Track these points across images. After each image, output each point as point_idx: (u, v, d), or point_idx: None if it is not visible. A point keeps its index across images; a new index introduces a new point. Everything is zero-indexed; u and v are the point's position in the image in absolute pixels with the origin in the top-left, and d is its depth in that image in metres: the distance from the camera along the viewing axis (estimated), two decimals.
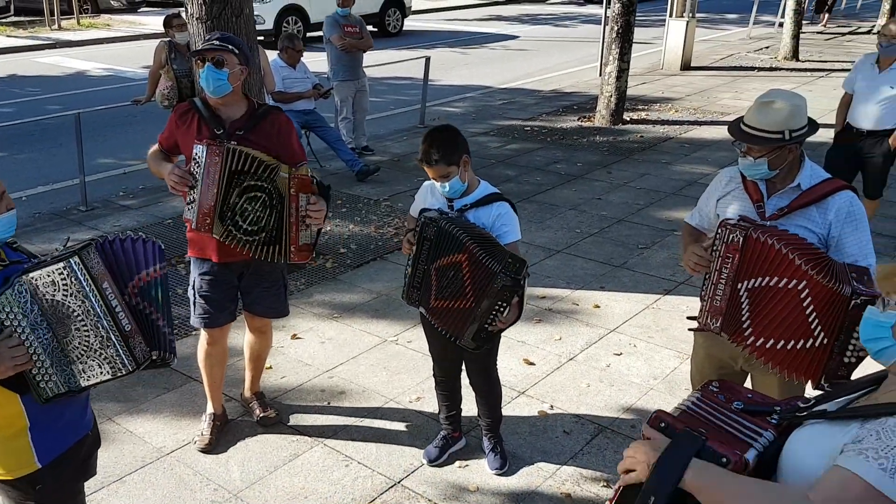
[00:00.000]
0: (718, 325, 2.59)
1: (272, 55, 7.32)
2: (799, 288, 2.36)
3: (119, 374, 2.13)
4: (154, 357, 2.20)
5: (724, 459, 1.54)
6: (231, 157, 3.03)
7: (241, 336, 4.46)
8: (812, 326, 2.38)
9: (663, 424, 1.65)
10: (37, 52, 15.43)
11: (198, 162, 3.06)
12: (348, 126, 8.28)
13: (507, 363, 4.21)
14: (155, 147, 3.37)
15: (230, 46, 3.11)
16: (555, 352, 4.39)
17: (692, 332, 2.92)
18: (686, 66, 13.66)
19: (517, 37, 18.09)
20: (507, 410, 3.69)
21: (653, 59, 14.42)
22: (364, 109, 8.44)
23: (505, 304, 2.86)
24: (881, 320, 1.61)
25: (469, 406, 3.62)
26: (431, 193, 3.18)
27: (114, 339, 2.08)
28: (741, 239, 2.47)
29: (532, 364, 4.26)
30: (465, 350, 3.29)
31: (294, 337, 4.56)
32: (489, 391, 3.43)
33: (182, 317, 4.70)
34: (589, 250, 5.86)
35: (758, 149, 2.57)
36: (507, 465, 3.42)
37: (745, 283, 2.49)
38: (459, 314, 2.97)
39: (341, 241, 6.01)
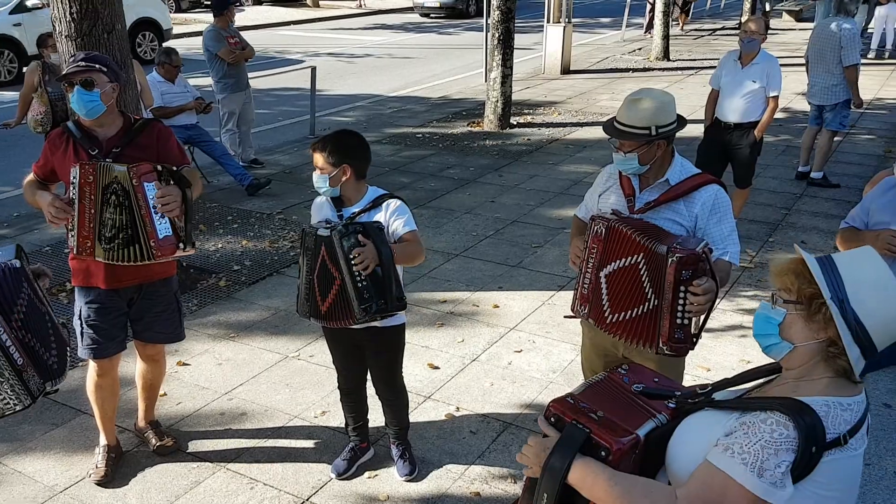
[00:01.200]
0: (586, 311, 2.75)
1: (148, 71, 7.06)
2: (637, 260, 2.52)
3: (15, 411, 2.01)
4: (48, 388, 2.09)
5: (603, 452, 1.60)
6: (102, 172, 2.91)
7: (131, 364, 4.27)
8: (646, 292, 2.53)
9: (553, 419, 1.71)
10: None
11: (74, 185, 2.92)
12: (233, 139, 8.08)
13: (412, 369, 4.23)
14: (30, 177, 3.18)
15: (97, 66, 2.99)
16: (458, 354, 4.45)
17: (580, 323, 3.05)
18: (566, 70, 14.15)
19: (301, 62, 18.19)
20: (414, 416, 3.69)
21: (535, 65, 14.86)
22: (250, 121, 8.27)
23: (352, 255, 2.84)
24: (771, 316, 1.64)
25: (376, 416, 3.60)
26: (321, 207, 3.17)
27: (7, 376, 1.97)
28: (604, 230, 2.63)
29: (437, 368, 4.29)
30: (369, 360, 3.29)
31: (180, 363, 4.39)
32: (395, 399, 3.43)
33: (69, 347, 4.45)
34: (486, 252, 5.97)
35: (628, 144, 2.71)
36: (416, 471, 3.43)
37: (605, 269, 2.65)
38: (331, 297, 2.98)
39: (234, 258, 5.86)
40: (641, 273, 2.52)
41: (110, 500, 3.26)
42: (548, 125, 10.32)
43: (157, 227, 2.95)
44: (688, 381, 3.83)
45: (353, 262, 2.83)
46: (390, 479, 3.41)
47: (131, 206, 2.93)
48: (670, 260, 2.44)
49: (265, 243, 6.15)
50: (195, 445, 3.64)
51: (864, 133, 9.63)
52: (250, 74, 8.28)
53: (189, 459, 3.54)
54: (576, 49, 15.79)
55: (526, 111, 11.12)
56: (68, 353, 2.43)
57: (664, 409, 1.76)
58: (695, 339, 2.60)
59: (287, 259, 5.83)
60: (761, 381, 1.77)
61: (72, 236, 2.97)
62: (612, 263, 2.60)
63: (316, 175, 3.02)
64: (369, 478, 3.43)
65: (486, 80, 10.17)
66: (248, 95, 8.10)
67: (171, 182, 2.97)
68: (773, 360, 1.72)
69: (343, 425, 3.62)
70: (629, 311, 2.60)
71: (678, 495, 1.55)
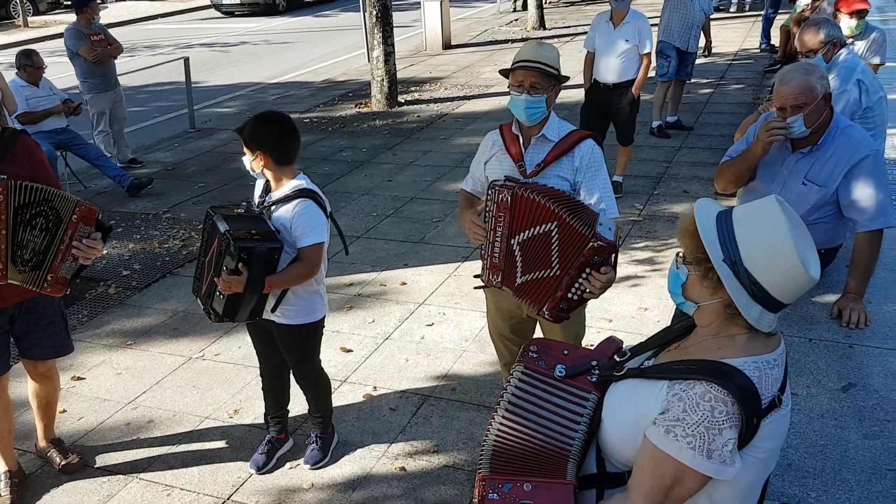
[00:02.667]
0: (499, 279, 2.70)
1: (9, 75, 6.55)
2: (551, 228, 2.51)
3: None
4: None
5: None
6: (16, 192, 2.70)
7: (23, 384, 4.00)
8: (552, 258, 2.54)
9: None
10: None
11: None
12: (107, 140, 7.65)
13: (325, 354, 4.07)
14: None
15: None
16: (370, 334, 4.40)
17: (475, 288, 3.05)
18: (447, 45, 14.19)
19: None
20: (332, 400, 3.63)
21: (416, 42, 14.81)
22: (123, 119, 7.84)
23: (225, 268, 2.80)
24: (678, 274, 1.66)
25: (295, 406, 3.52)
26: (258, 185, 3.13)
27: None
28: (509, 198, 2.58)
29: (350, 351, 4.23)
30: (282, 352, 3.20)
31: (75, 378, 4.14)
32: (315, 386, 3.36)
33: None
34: (388, 231, 5.92)
35: (539, 83, 2.71)
36: (325, 459, 3.36)
37: (517, 237, 2.60)
38: (205, 287, 2.96)
39: (122, 263, 5.56)
40: (552, 240, 2.51)
41: None
42: (435, 101, 10.32)
43: (63, 265, 2.83)
44: (591, 332, 3.95)
45: (217, 278, 2.79)
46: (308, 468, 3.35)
47: (55, 235, 2.78)
48: (591, 244, 2.44)
49: (154, 244, 5.87)
50: (103, 459, 3.45)
51: (733, 83, 10.15)
52: (120, 71, 7.84)
53: (98, 474, 3.36)
54: (455, 23, 15.85)
55: (413, 88, 11.08)
56: None
57: (592, 387, 1.74)
58: (571, 312, 2.65)
59: (179, 258, 5.59)
60: (675, 338, 1.75)
61: None
62: (526, 231, 2.57)
63: (244, 158, 2.99)
64: (290, 468, 3.35)
65: (368, 60, 10.05)
66: (118, 94, 7.68)
67: (100, 235, 2.87)
68: (677, 314, 1.73)
69: (258, 421, 3.52)
70: (533, 274, 2.61)
71: (630, 487, 1.52)
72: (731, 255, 1.52)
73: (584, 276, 2.50)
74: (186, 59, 9.23)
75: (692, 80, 8.71)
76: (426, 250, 5.55)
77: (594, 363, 1.81)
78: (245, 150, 2.95)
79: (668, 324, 1.98)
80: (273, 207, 2.94)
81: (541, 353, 1.88)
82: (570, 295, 2.56)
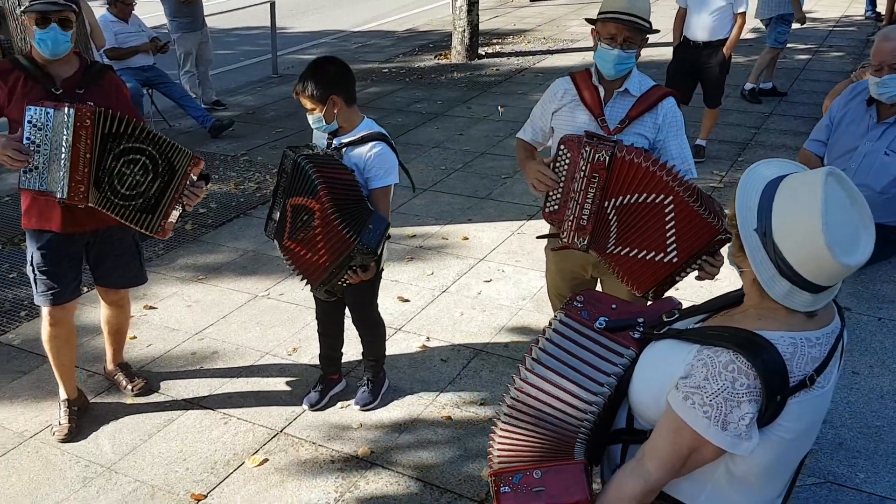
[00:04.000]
0: (585, 243, 2.59)
1: (100, 10, 6.79)
2: (665, 203, 2.38)
3: None
4: None
5: None
6: (106, 120, 2.83)
7: (95, 310, 4.24)
8: (668, 241, 2.42)
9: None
10: None
11: (37, 126, 2.79)
12: (192, 80, 7.87)
13: (383, 302, 4.16)
14: None
15: (72, 5, 2.88)
16: (428, 286, 4.45)
17: (552, 250, 2.99)
18: None
19: None
20: (386, 346, 3.71)
21: None
22: (208, 61, 8.04)
23: (360, 268, 2.86)
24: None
25: (349, 349, 3.62)
26: (317, 137, 3.15)
27: None
28: (607, 158, 2.44)
29: (407, 301, 4.30)
30: (345, 291, 3.27)
31: (148, 307, 4.36)
32: (371, 330, 3.43)
33: (29, 298, 4.40)
34: (454, 185, 5.92)
35: (632, 38, 2.60)
36: (374, 402, 3.45)
37: (613, 200, 2.48)
38: (311, 265, 2.93)
39: (200, 202, 5.75)
40: (667, 220, 2.38)
41: (81, 443, 3.27)
42: (517, 54, 10.15)
43: (173, 212, 3.01)
44: None
45: (352, 271, 2.87)
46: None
47: (168, 184, 2.94)
48: (718, 238, 2.35)
49: (230, 185, 6.06)
50: (167, 386, 3.65)
51: (832, 51, 9.58)
52: (207, 13, 8.01)
53: (161, 399, 3.55)
54: None
55: (495, 41, 10.92)
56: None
57: (632, 342, 1.71)
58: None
59: (253, 200, 5.76)
60: (726, 306, 1.68)
61: (34, 178, 2.86)
62: (625, 196, 2.44)
63: (310, 117, 2.97)
64: (341, 408, 3.46)
65: (452, 10, 9.93)
66: (204, 35, 7.85)
67: (203, 183, 3.06)
68: None
69: (314, 361, 3.64)
70: (641, 252, 2.48)
71: (644, 455, 1.51)
72: (763, 224, 1.43)
73: (697, 262, 2.43)
74: (272, 4, 9.34)
75: (789, 46, 8.26)
76: (491, 206, 5.53)
77: (641, 320, 1.76)
78: (313, 105, 2.91)
79: None
80: (345, 149, 2.97)
81: (586, 303, 1.84)
82: (677, 278, 2.49)
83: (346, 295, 3.28)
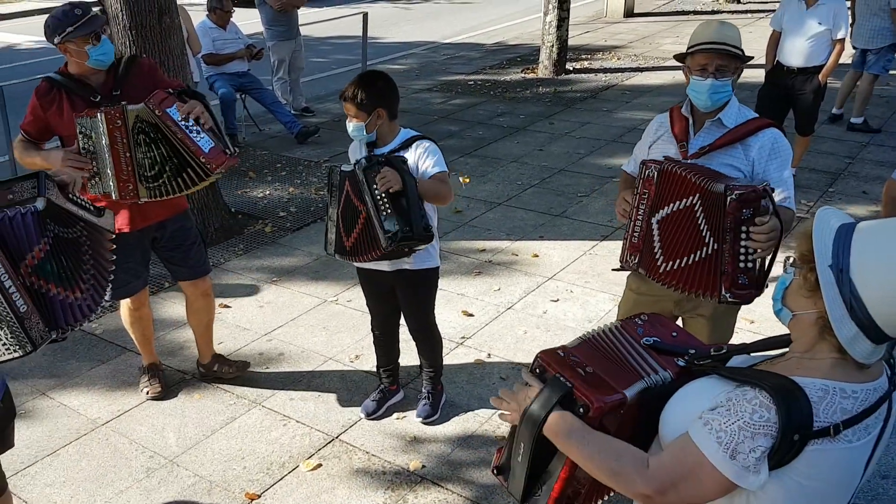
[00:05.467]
0: (636, 261, 2.61)
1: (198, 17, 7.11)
2: (693, 202, 2.37)
3: (15, 356, 2.07)
4: (54, 336, 2.16)
5: (581, 409, 1.55)
6: (129, 116, 2.96)
7: (167, 307, 4.43)
8: (703, 235, 2.38)
9: (538, 370, 1.67)
10: None
11: (87, 134, 2.95)
12: (284, 87, 8.13)
13: (447, 315, 4.25)
14: (20, 138, 3.18)
15: (103, 15, 3.04)
16: (493, 302, 4.44)
17: (626, 276, 2.93)
18: (629, 13, 13.67)
19: None
20: (445, 360, 3.70)
21: (597, 8, 14.39)
22: (300, 69, 8.29)
23: (377, 185, 2.83)
24: (784, 279, 1.55)
25: (405, 359, 3.65)
26: (353, 150, 3.17)
27: (7, 322, 2.03)
28: (655, 174, 2.48)
29: (471, 315, 4.29)
30: (400, 302, 3.30)
31: (223, 305, 4.51)
32: (428, 340, 3.44)
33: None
34: (529, 201, 5.89)
35: (725, 66, 2.54)
36: (435, 415, 3.45)
37: (657, 214, 2.51)
38: (358, 230, 2.96)
39: (281, 205, 5.95)
40: (698, 216, 2.38)
41: (149, 434, 3.42)
42: (605, 71, 10.02)
43: (200, 144, 2.96)
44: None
45: (375, 187, 2.81)
46: (418, 421, 3.46)
47: (166, 137, 2.96)
48: (729, 198, 2.29)
49: (311, 191, 6.22)
50: (233, 383, 3.76)
51: None
52: (302, 21, 8.27)
53: (227, 396, 3.67)
54: None
55: (583, 56, 10.82)
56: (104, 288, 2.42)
57: (671, 366, 1.67)
58: (761, 285, 2.45)
59: None
60: (780, 351, 1.64)
61: (98, 184, 3.01)
62: (665, 208, 2.46)
63: (351, 125, 2.99)
64: (397, 419, 3.48)
65: (542, 25, 9.90)
66: (298, 43, 8.10)
67: (186, 100, 3.01)
68: None
69: (374, 369, 3.68)
70: (685, 258, 2.46)
71: (650, 463, 1.48)
72: (839, 262, 1.40)
73: (742, 237, 2.33)
74: (365, 15, 9.54)
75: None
76: (565, 224, 5.46)
77: (692, 351, 1.72)
78: (357, 113, 2.95)
79: None
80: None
81: (646, 324, 1.81)
82: (742, 265, 2.38)
83: (403, 304, 3.31)
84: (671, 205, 2.45)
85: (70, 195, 2.31)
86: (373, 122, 2.97)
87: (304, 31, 8.35)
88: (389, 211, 2.82)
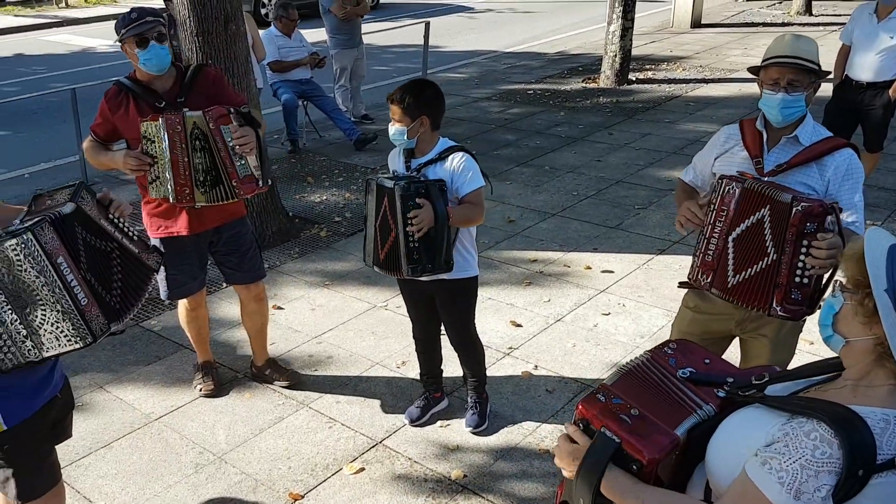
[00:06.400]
0: (709, 280, 2.51)
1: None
2: (762, 215, 2.31)
3: (76, 347, 2.15)
4: (113, 329, 2.23)
5: (635, 466, 1.51)
6: (187, 122, 3.04)
7: (222, 307, 4.53)
8: (766, 246, 2.31)
9: (581, 424, 1.63)
10: (44, 30, 15.54)
11: (150, 138, 3.05)
12: (345, 94, 8.26)
13: (494, 325, 4.23)
14: (89, 139, 3.32)
15: (161, 19, 3.12)
16: (542, 313, 4.40)
17: (682, 291, 2.85)
18: (696, 24, 13.41)
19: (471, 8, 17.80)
20: (491, 371, 3.71)
21: (663, 18, 14.18)
22: (361, 77, 8.41)
23: (408, 211, 2.84)
24: (833, 304, 1.51)
25: (451, 367, 3.65)
26: (393, 157, 3.20)
27: (70, 314, 2.11)
28: (737, 191, 2.40)
29: (519, 326, 4.27)
30: (440, 310, 3.32)
31: (276, 307, 4.59)
32: (469, 350, 3.43)
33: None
34: (584, 212, 5.83)
35: (799, 81, 2.47)
36: (484, 425, 3.44)
37: (734, 232, 2.43)
38: (386, 248, 3.00)
39: (336, 210, 6.04)
40: (765, 228, 2.32)
41: (199, 430, 3.50)
42: (669, 81, 9.85)
43: (238, 168, 3.10)
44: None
45: (408, 221, 2.86)
46: (461, 430, 3.46)
47: (211, 150, 3.07)
48: (794, 210, 2.24)
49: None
50: (283, 384, 3.83)
51: None
52: (366, 29, 8.39)
53: (276, 396, 3.74)
54: (709, 1, 14.90)
55: (647, 66, 10.66)
56: (143, 294, 2.42)
57: (712, 398, 1.61)
58: (813, 303, 2.37)
59: None
60: (824, 377, 1.58)
61: (157, 187, 3.12)
62: (741, 225, 2.40)
63: (393, 128, 3.02)
64: (441, 427, 3.49)
65: (605, 34, 9.80)
66: (360, 51, 8.22)
67: (244, 123, 3.09)
68: None
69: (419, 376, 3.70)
70: (747, 270, 2.40)
71: None
72: (895, 285, 1.34)
73: (802, 251, 2.27)
74: (427, 23, 9.63)
75: None
76: (620, 237, 5.38)
77: (730, 380, 1.66)
78: (401, 117, 2.96)
79: None
80: (425, 169, 3.02)
81: (677, 352, 1.75)
82: (797, 280, 2.32)
83: (442, 315, 3.32)
84: (746, 222, 2.39)
85: (111, 216, 2.34)
86: (415, 129, 2.98)
87: (366, 39, 8.47)
88: (417, 245, 2.90)
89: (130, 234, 2.39)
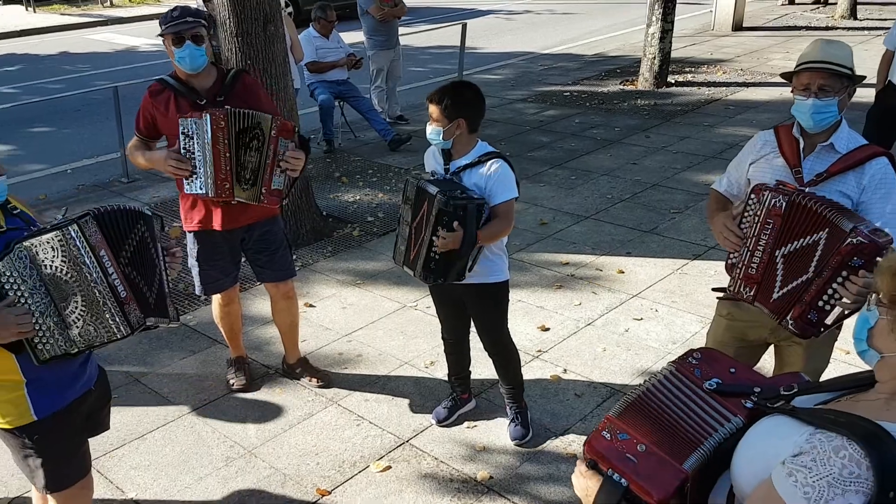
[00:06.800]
0: (752, 293, 2.48)
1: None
2: (819, 238, 2.28)
3: (114, 339, 2.21)
4: (149, 323, 2.28)
5: None
6: (235, 118, 3.09)
7: (255, 304, 4.59)
8: (810, 264, 2.29)
9: (589, 464, 1.64)
10: (88, 28, 15.91)
11: (188, 135, 3.11)
12: (381, 95, 8.30)
13: (524, 327, 4.22)
14: (134, 140, 3.39)
15: (202, 21, 3.18)
16: (573, 317, 4.37)
17: (716, 297, 2.83)
18: (738, 27, 13.21)
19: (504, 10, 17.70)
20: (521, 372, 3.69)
21: (704, 20, 13.99)
22: (398, 78, 8.44)
23: (441, 227, 2.85)
24: (868, 318, 1.48)
25: (480, 369, 3.65)
26: (432, 156, 3.19)
27: (109, 305, 2.16)
28: (784, 204, 2.36)
29: (547, 329, 4.25)
30: (470, 314, 3.31)
31: (308, 305, 4.64)
32: (502, 355, 3.41)
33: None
34: (618, 216, 5.77)
35: (830, 85, 2.44)
36: (528, 436, 3.39)
37: (784, 248, 2.39)
38: (416, 251, 3.05)
39: (369, 210, 6.07)
40: (818, 250, 2.30)
41: (231, 424, 3.55)
42: (709, 84, 9.72)
43: (274, 178, 3.17)
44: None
45: (436, 237, 2.88)
46: (488, 432, 3.46)
47: (262, 152, 3.13)
48: (848, 240, 2.21)
49: (399, 197, 6.30)
50: (312, 381, 3.86)
51: None
52: (403, 31, 8.42)
53: (306, 393, 3.77)
54: (751, 5, 14.67)
55: (687, 69, 10.53)
56: (171, 301, 2.46)
57: (739, 409, 1.59)
58: (822, 329, 2.38)
59: None
60: (852, 389, 1.55)
61: (193, 183, 3.17)
62: (794, 242, 2.36)
63: (430, 127, 3.02)
64: (468, 428, 3.49)
65: (644, 37, 9.71)
66: (397, 53, 8.26)
67: (299, 146, 3.18)
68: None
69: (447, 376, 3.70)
70: (789, 286, 2.39)
71: None
72: None
73: (838, 280, 2.24)
74: (464, 25, 9.64)
75: None
76: (654, 241, 5.32)
77: (757, 389, 1.64)
78: (439, 117, 2.97)
79: None
80: (462, 173, 3.02)
81: (702, 362, 1.73)
82: (821, 303, 2.30)
83: (474, 319, 3.31)
84: (801, 240, 2.34)
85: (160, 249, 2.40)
86: (451, 130, 2.98)
87: (403, 41, 8.51)
88: (437, 258, 2.95)
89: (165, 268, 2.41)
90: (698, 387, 1.65)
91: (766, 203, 2.39)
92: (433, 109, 2.99)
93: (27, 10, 17.68)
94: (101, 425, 2.60)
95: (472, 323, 3.38)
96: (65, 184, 6.87)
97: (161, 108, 3.26)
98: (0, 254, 2.09)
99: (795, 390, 1.59)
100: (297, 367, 3.89)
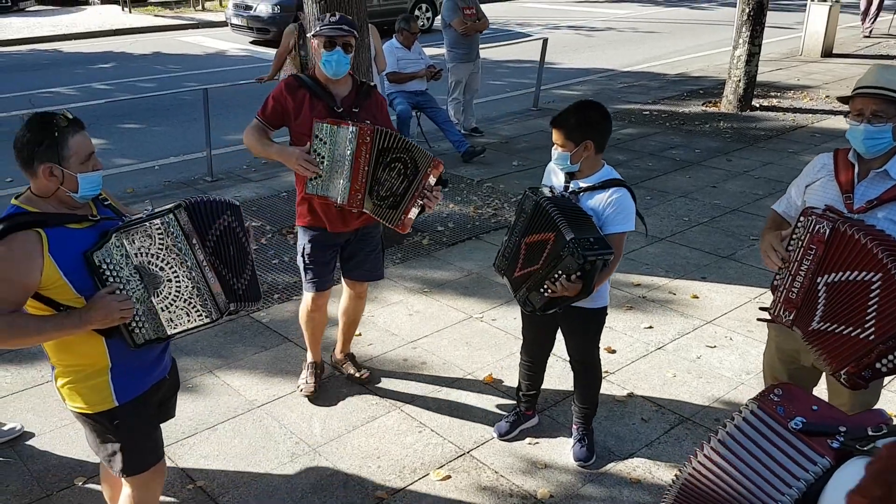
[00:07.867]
0: (791, 318, 2.49)
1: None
2: (873, 279, 2.22)
3: (204, 323, 2.31)
4: (232, 308, 2.37)
5: None
6: (380, 137, 3.16)
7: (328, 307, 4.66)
8: (867, 318, 2.23)
9: None
10: (180, 31, 16.54)
11: (323, 140, 3.17)
12: (457, 107, 8.36)
13: None
14: (254, 122, 3.43)
15: (354, 31, 3.30)
16: (643, 339, 4.29)
17: (757, 320, 2.81)
18: (828, 53, 12.77)
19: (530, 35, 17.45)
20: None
21: (792, 45, 13.59)
22: (475, 90, 8.49)
23: (562, 274, 2.75)
24: None
25: (544, 386, 3.61)
26: (553, 173, 3.13)
27: (202, 291, 2.26)
28: (827, 231, 2.34)
29: (614, 351, 4.18)
30: (564, 333, 3.26)
31: (376, 310, 4.70)
32: (588, 370, 3.33)
33: (284, 283, 4.97)
34: (695, 239, 5.65)
35: (883, 110, 2.41)
36: (592, 459, 3.33)
37: (826, 276, 2.36)
38: (521, 273, 3.00)
39: (440, 220, 6.11)
40: (872, 295, 2.24)
41: (298, 421, 3.62)
42: (795, 110, 9.43)
43: (412, 208, 3.23)
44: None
45: (554, 278, 2.77)
46: (550, 450, 3.42)
47: (412, 183, 3.18)
48: None
49: (470, 208, 6.34)
50: (378, 384, 3.91)
51: None
52: (484, 45, 8.47)
53: (370, 396, 3.82)
54: (842, 31, 14.15)
55: (773, 94, 10.24)
56: (260, 290, 2.60)
57: (827, 451, 1.54)
58: (871, 383, 2.36)
59: (488, 226, 5.97)
60: None
61: (317, 185, 3.22)
62: (839, 273, 2.32)
63: (556, 152, 2.93)
64: (530, 444, 3.46)
65: (730, 59, 9.49)
66: (476, 66, 8.31)
67: (439, 184, 3.24)
68: None
69: (512, 389, 3.68)
70: (839, 327, 2.33)
71: None
72: None
73: None
74: (545, 41, 9.64)
75: None
76: (731, 267, 5.18)
77: (843, 429, 1.58)
78: (564, 142, 2.87)
79: None
80: (582, 194, 2.95)
81: (784, 398, 1.70)
82: (878, 365, 2.27)
83: (569, 338, 3.26)
84: (846, 272, 2.30)
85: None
86: (578, 154, 2.89)
87: (483, 54, 8.56)
88: (544, 295, 2.87)
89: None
90: (784, 426, 1.61)
91: (811, 228, 2.39)
92: (557, 134, 2.90)
93: (123, 10, 18.53)
94: (169, 413, 2.69)
95: (566, 341, 3.30)
96: (151, 179, 7.16)
97: (296, 102, 3.34)
98: (98, 242, 2.20)
99: (884, 431, 1.52)
100: (343, 361, 3.98)
